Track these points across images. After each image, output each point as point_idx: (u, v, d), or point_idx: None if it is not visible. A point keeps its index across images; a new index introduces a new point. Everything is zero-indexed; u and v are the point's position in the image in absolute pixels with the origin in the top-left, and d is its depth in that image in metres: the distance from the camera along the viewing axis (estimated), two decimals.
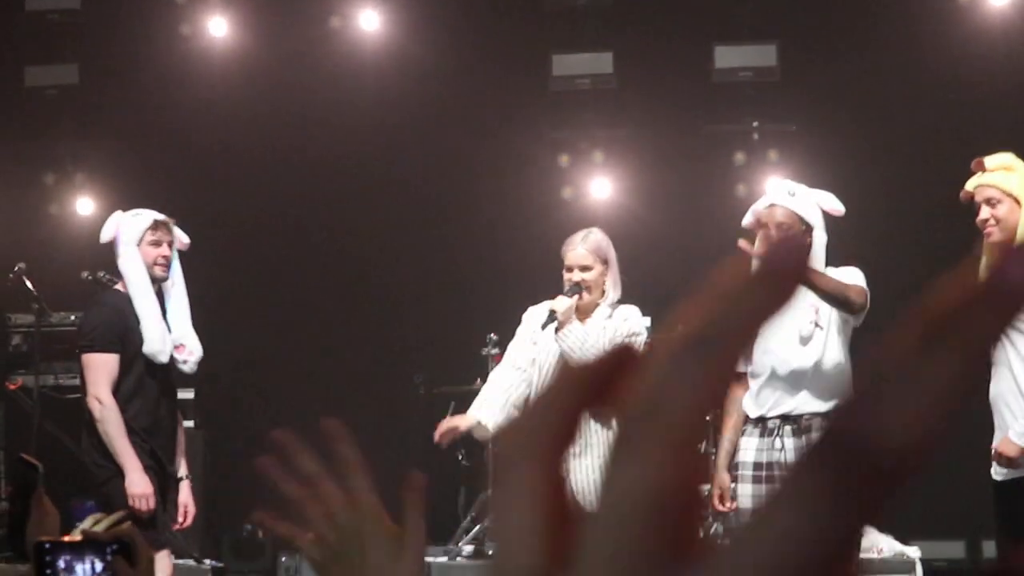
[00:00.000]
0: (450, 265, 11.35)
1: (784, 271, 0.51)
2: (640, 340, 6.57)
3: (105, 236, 7.06)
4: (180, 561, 8.85)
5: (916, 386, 0.47)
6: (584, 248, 6.52)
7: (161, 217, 7.06)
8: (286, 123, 11.53)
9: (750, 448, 6.21)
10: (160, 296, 6.99)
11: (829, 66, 11.34)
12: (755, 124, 11.65)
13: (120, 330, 6.86)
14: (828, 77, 11.35)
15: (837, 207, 6.30)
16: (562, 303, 6.37)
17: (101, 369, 6.87)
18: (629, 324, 6.53)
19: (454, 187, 11.74)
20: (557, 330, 6.33)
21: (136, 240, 6.98)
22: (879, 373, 0.48)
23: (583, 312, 6.51)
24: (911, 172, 10.80)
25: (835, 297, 6.07)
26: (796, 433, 6.15)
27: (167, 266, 6.97)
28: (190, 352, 6.99)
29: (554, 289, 8.87)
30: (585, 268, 6.49)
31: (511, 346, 6.67)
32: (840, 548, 0.47)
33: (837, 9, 11.32)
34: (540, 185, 11.93)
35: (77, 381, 9.37)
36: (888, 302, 7.34)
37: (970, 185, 6.04)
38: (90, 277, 8.79)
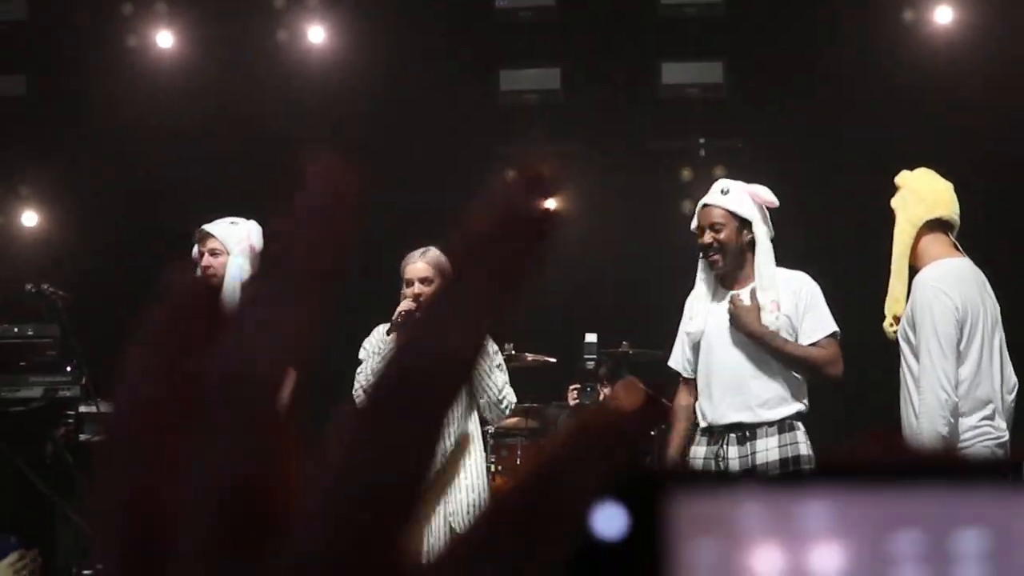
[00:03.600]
0: (394, 281, 11.33)
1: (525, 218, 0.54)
2: (497, 360, 6.66)
3: (193, 257, 6.97)
4: None
5: (462, 302, 0.51)
6: (423, 262, 6.60)
7: (204, 228, 6.91)
8: (233, 136, 11.49)
9: (698, 457, 6.14)
10: None
11: (775, 83, 11.41)
12: (701, 141, 11.70)
13: None
14: (774, 94, 11.42)
15: (769, 199, 6.24)
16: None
17: None
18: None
19: (400, 202, 11.73)
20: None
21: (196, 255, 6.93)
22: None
23: None
24: (857, 189, 10.87)
25: (803, 369, 6.02)
26: (740, 441, 6.04)
27: (209, 277, 6.76)
28: None
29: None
30: (424, 280, 6.56)
31: (364, 365, 6.57)
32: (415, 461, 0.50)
33: (783, 26, 11.38)
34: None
35: (20, 394, 9.35)
36: (846, 320, 7.37)
37: None
38: (34, 290, 8.73)
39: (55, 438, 9.31)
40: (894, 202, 6.05)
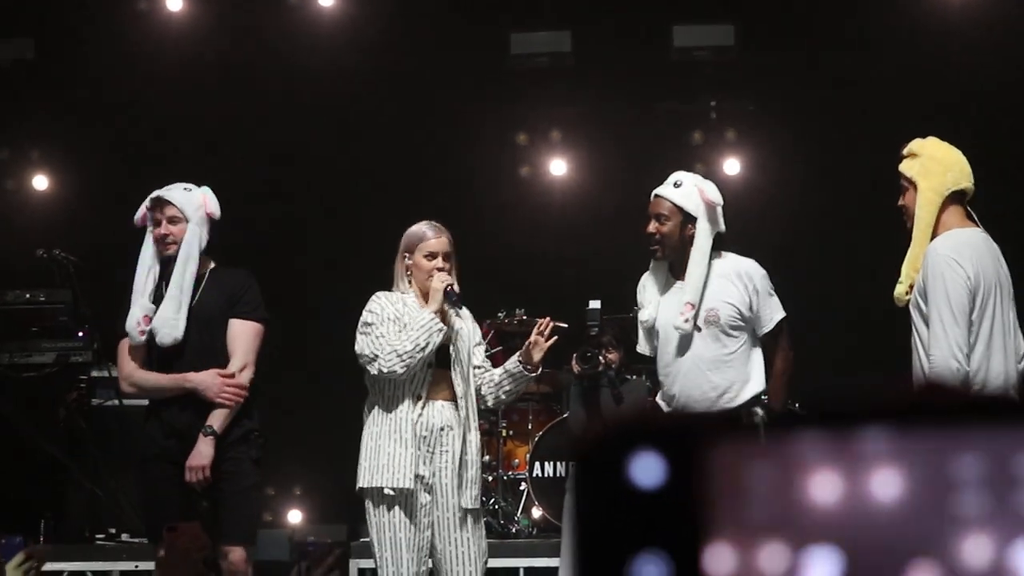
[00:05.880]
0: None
1: None
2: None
3: (136, 221, 6.82)
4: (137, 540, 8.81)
5: None
6: (446, 237, 6.39)
7: (156, 193, 6.75)
8: (243, 98, 11.47)
9: None
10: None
11: (786, 46, 11.37)
12: (712, 103, 11.66)
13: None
14: (785, 57, 11.38)
15: (712, 198, 6.31)
16: (445, 284, 6.27)
17: (119, 351, 6.79)
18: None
19: (411, 165, 11.72)
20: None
21: (145, 221, 6.79)
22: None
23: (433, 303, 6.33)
24: (867, 151, 10.84)
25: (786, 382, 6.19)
26: None
27: (168, 244, 6.62)
28: (155, 327, 6.61)
29: (512, 265, 8.85)
30: (447, 256, 6.38)
31: (379, 328, 6.34)
32: None
33: None
34: (498, 163, 11.92)
35: (32, 360, 9.36)
36: (841, 280, 7.37)
37: None
38: (45, 255, 8.74)
39: (67, 403, 9.33)
40: (912, 169, 5.92)
